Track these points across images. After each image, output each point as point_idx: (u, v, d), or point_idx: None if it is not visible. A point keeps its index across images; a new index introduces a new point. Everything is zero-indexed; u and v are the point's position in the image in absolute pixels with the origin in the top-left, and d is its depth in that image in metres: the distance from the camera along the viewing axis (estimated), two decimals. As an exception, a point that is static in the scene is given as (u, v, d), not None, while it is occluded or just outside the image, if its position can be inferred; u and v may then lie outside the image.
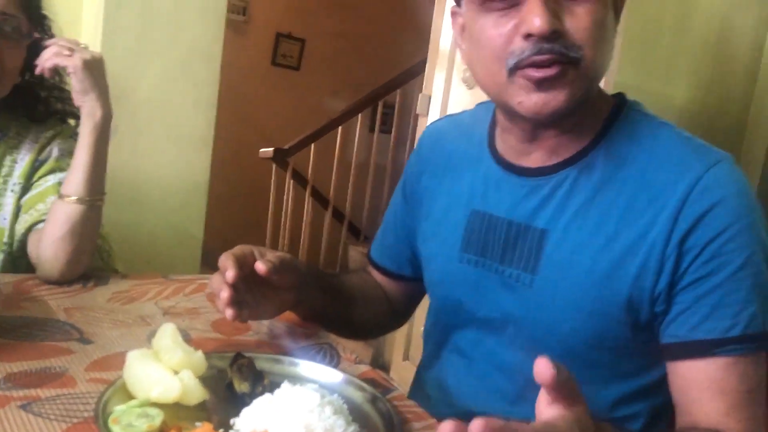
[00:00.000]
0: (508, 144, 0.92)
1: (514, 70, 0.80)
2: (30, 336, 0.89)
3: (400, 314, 1.21)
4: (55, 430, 0.67)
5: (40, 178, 1.26)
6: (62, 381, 0.78)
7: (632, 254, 0.81)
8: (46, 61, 1.14)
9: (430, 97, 2.74)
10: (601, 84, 2.22)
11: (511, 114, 0.86)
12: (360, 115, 4.18)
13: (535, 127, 0.86)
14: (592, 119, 0.87)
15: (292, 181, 4.09)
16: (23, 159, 1.27)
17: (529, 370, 0.85)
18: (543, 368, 0.56)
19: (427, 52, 2.85)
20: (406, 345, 2.80)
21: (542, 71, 0.79)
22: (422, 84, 3.03)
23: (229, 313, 0.85)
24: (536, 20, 0.76)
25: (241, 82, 4.18)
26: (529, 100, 0.80)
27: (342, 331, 1.11)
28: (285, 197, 4.08)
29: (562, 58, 0.78)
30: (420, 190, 1.05)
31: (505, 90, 0.82)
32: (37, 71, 1.15)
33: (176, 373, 0.75)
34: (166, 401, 0.73)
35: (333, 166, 4.12)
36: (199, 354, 0.78)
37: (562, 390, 0.57)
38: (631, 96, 0.93)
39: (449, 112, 2.64)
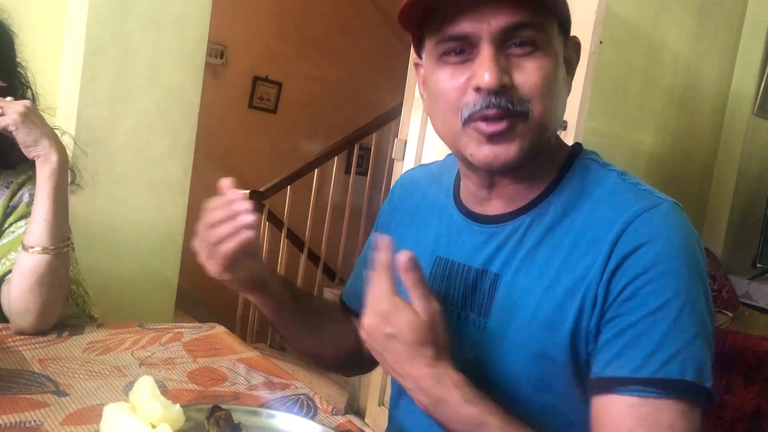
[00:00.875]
0: (469, 192, 0.96)
1: (467, 122, 0.84)
2: (4, 388, 0.88)
3: (369, 357, 1.20)
4: (30, 488, 0.66)
5: (11, 224, 1.25)
6: (37, 436, 0.77)
7: (572, 297, 0.82)
8: None
9: (405, 142, 2.79)
10: (572, 131, 2.26)
11: (467, 163, 0.90)
12: (336, 157, 4.22)
13: (491, 175, 0.90)
14: (548, 168, 0.90)
15: (267, 223, 4.08)
16: None
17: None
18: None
19: (402, 96, 2.91)
20: (381, 390, 2.78)
21: (492, 125, 0.82)
22: (398, 127, 3.08)
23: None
24: (485, 75, 0.80)
25: (218, 125, 4.20)
26: (480, 152, 0.84)
27: (309, 351, 1.10)
28: (261, 239, 4.06)
29: (509, 112, 0.82)
30: (389, 235, 1.07)
31: (459, 140, 0.86)
32: None
33: (153, 427, 0.75)
34: (143, 457, 0.72)
35: (309, 208, 4.13)
36: (177, 408, 0.78)
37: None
38: (602, 141, 0.97)
39: (424, 157, 2.68)
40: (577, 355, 0.83)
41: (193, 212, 2.32)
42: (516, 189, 0.90)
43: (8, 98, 1.16)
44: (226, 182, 0.90)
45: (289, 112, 5.04)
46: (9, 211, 1.26)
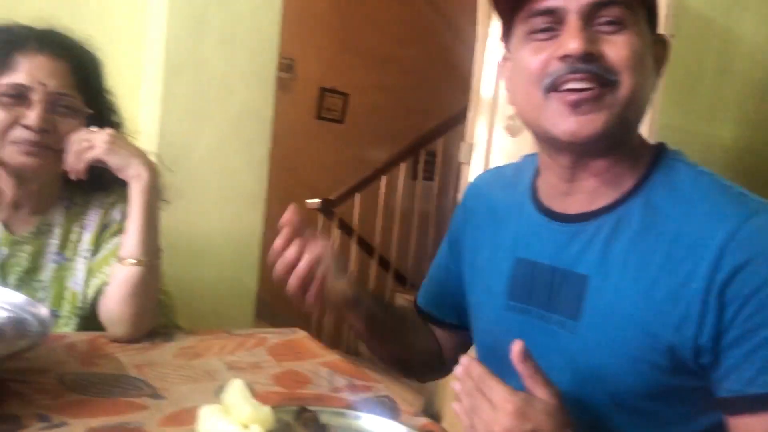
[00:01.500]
0: (548, 187, 0.95)
1: (549, 91, 0.84)
2: (105, 392, 0.94)
3: (448, 361, 1.21)
4: (137, 483, 0.71)
5: (105, 242, 1.33)
6: (139, 436, 0.82)
7: (673, 303, 0.81)
8: (74, 164, 1.21)
9: (472, 146, 2.79)
10: (645, 127, 2.24)
11: (550, 142, 0.89)
12: (402, 164, 4.26)
13: (575, 157, 0.88)
14: (631, 167, 0.89)
15: (338, 231, 4.15)
16: (90, 225, 1.34)
17: (576, 418, 0.88)
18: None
19: (467, 100, 2.92)
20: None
21: (577, 94, 0.82)
22: (464, 131, 3.09)
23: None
24: (572, 42, 0.81)
25: (288, 137, 4.30)
26: (564, 123, 0.84)
27: (394, 357, 1.13)
28: (346, 260, 4.14)
29: (598, 79, 0.82)
30: (464, 239, 1.09)
31: (541, 114, 0.86)
32: (74, 177, 1.22)
33: (246, 427, 0.79)
34: (236, 456, 0.76)
35: (378, 214, 4.18)
36: (267, 409, 0.81)
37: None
38: (675, 137, 0.96)
39: (492, 159, 2.68)
40: (679, 361, 0.82)
41: (269, 222, 2.40)
42: (597, 184, 0.89)
43: (92, 128, 1.24)
44: (288, 218, 0.94)
45: (355, 122, 5.11)
46: (103, 229, 1.34)
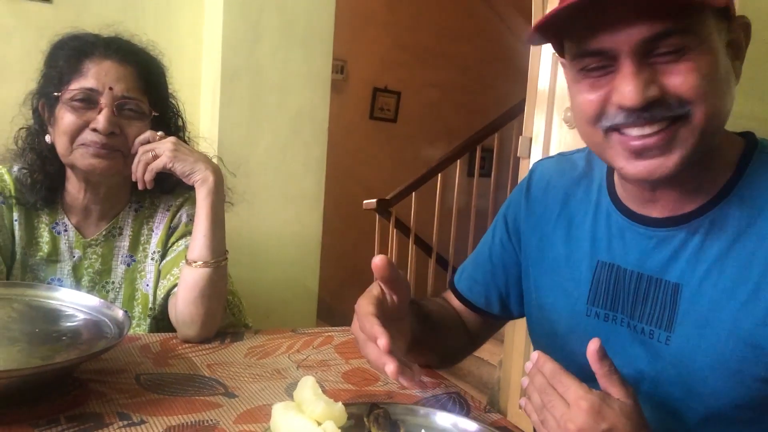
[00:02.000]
0: (629, 192, 0.90)
1: (609, 131, 0.79)
2: (180, 391, 0.96)
3: (476, 341, 1.20)
4: (216, 479, 0.72)
5: (173, 244, 1.36)
6: (215, 433, 0.83)
7: None
8: (143, 176, 1.24)
9: (531, 139, 2.75)
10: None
11: (619, 173, 0.85)
12: (458, 161, 4.23)
13: (650, 186, 0.84)
14: (721, 166, 0.83)
15: (395, 230, 4.15)
16: (158, 228, 1.38)
17: (665, 426, 0.83)
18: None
19: (523, 93, 2.87)
20: (522, 392, 2.75)
21: (640, 141, 0.76)
22: (520, 125, 3.04)
23: (403, 381, 0.81)
24: (627, 91, 0.74)
25: (343, 137, 4.34)
26: (631, 167, 0.78)
27: (430, 358, 1.10)
28: (389, 246, 4.15)
29: (666, 118, 0.75)
30: (528, 230, 1.03)
31: (605, 151, 0.81)
32: (141, 187, 1.26)
33: (319, 424, 0.79)
34: (311, 451, 0.77)
35: (434, 213, 4.17)
36: (340, 405, 0.81)
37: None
38: (752, 126, 0.89)
39: (552, 152, 2.63)
40: None
41: (327, 222, 2.42)
42: (682, 193, 0.84)
43: (159, 132, 1.28)
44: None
45: (409, 120, 5.11)
46: (171, 231, 1.37)
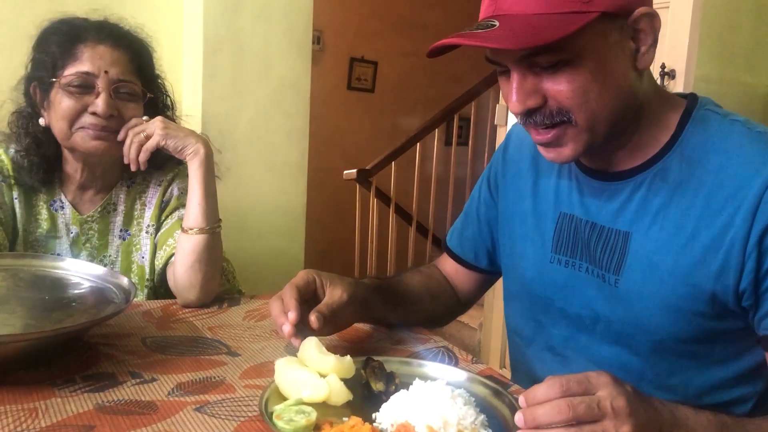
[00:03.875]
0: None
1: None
2: (186, 352, 1.02)
3: (467, 303, 1.29)
4: (228, 427, 0.79)
5: (167, 217, 1.41)
6: (223, 388, 0.89)
7: (713, 252, 0.85)
8: (136, 157, 1.28)
9: (507, 107, 2.81)
10: (681, 79, 2.21)
11: None
12: (436, 130, 4.27)
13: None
14: (662, 127, 0.92)
15: (375, 200, 4.21)
16: (151, 202, 1.42)
17: (624, 363, 0.93)
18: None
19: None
20: (502, 355, 2.85)
21: (539, 136, 0.88)
22: (497, 93, 3.10)
23: (293, 341, 0.94)
24: (511, 101, 0.86)
25: (321, 108, 4.34)
26: (543, 153, 0.91)
27: (408, 323, 1.18)
28: (370, 215, 4.20)
29: (549, 124, 0.85)
30: (504, 186, 1.12)
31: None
32: (134, 169, 1.30)
33: (323, 376, 0.85)
34: (315, 401, 0.83)
35: (414, 182, 4.22)
36: (348, 359, 0.88)
37: None
38: (713, 87, 0.98)
39: (528, 120, 2.69)
40: (722, 306, 0.86)
41: (308, 193, 2.46)
42: (625, 152, 0.93)
43: (144, 117, 1.32)
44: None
45: (386, 90, 5.13)
46: (164, 205, 1.42)
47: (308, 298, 1.00)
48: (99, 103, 1.26)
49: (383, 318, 1.15)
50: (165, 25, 2.19)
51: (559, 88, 0.83)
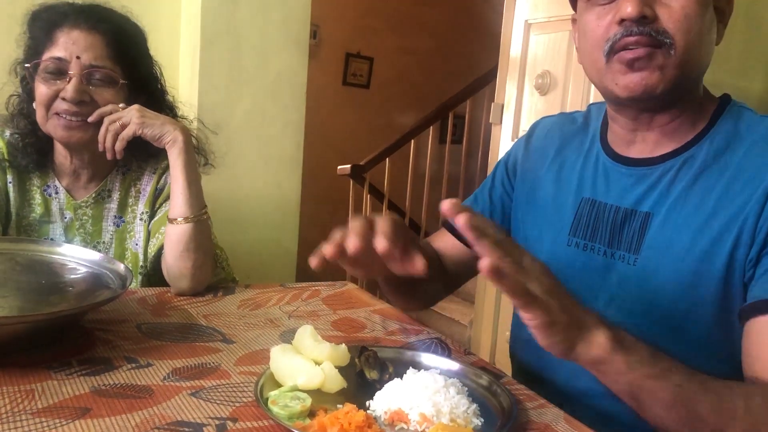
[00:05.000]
0: (615, 135, 1.02)
1: (610, 54, 0.91)
2: (181, 338, 1.02)
3: (453, 284, 1.27)
4: (224, 412, 0.79)
5: (160, 205, 1.41)
6: (219, 374, 0.90)
7: (728, 231, 0.88)
8: (112, 146, 1.27)
9: (502, 106, 2.82)
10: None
11: (613, 100, 0.96)
12: (431, 127, 4.29)
13: (636, 116, 0.96)
14: (694, 119, 0.95)
15: (369, 196, 4.22)
16: (145, 189, 1.42)
17: None
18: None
19: (495, 60, 2.93)
20: (492, 347, 2.87)
21: (632, 52, 0.89)
22: (492, 93, 3.11)
23: (315, 260, 0.84)
24: (627, 6, 0.87)
25: (316, 103, 4.35)
26: (623, 80, 0.91)
27: (403, 299, 1.15)
28: (363, 211, 4.22)
29: (651, 40, 0.88)
30: (524, 173, 1.14)
31: (604, 75, 0.93)
32: (110, 157, 1.29)
33: (317, 364, 0.86)
34: (310, 388, 0.84)
35: (407, 178, 4.24)
36: (343, 347, 0.89)
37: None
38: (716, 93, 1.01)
39: (523, 119, 2.71)
40: (730, 283, 0.88)
41: (304, 186, 2.46)
42: (660, 136, 0.96)
43: (121, 105, 1.30)
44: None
45: (381, 86, 5.14)
46: (158, 193, 1.42)
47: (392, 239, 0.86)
48: (68, 89, 1.25)
49: (400, 289, 1.09)
50: (163, 15, 2.19)
51: (671, 10, 0.87)
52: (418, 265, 0.83)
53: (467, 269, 1.25)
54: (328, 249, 0.84)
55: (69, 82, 1.26)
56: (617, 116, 1.00)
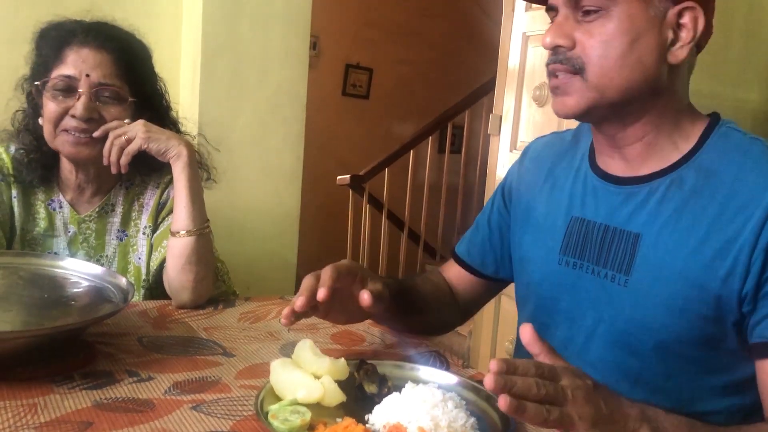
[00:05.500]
0: (600, 151, 1.03)
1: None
2: (183, 351, 1.03)
3: (466, 313, 1.30)
4: (225, 426, 0.80)
5: (163, 219, 1.42)
6: (219, 387, 0.91)
7: (721, 258, 0.88)
8: (117, 160, 1.28)
9: (501, 117, 2.83)
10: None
11: None
12: (430, 137, 4.31)
13: (599, 129, 0.99)
14: (683, 137, 0.96)
15: (368, 206, 4.23)
16: (148, 204, 1.44)
17: (622, 364, 0.95)
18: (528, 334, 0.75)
19: (493, 71, 2.95)
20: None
21: (552, 80, 0.95)
22: (490, 103, 3.12)
23: (284, 320, 0.93)
24: (546, 36, 0.93)
25: (316, 114, 4.36)
26: (552, 104, 0.97)
27: (410, 331, 1.19)
28: (363, 221, 4.23)
29: (567, 67, 0.92)
30: (518, 196, 1.16)
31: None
32: (114, 171, 1.30)
33: (317, 378, 0.87)
34: (310, 402, 0.84)
35: (406, 188, 4.25)
36: (342, 361, 0.90)
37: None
38: (704, 102, 1.01)
39: (521, 131, 2.73)
40: (725, 311, 0.89)
41: (303, 196, 2.47)
42: (642, 150, 0.96)
43: (126, 120, 1.32)
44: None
45: (380, 97, 5.16)
46: (160, 207, 1.43)
47: (343, 286, 0.98)
48: (78, 106, 1.27)
49: (394, 321, 1.16)
50: (164, 28, 2.21)
51: (590, 36, 0.90)
52: (364, 300, 0.95)
53: (481, 294, 1.28)
54: (297, 302, 0.93)
55: (78, 99, 1.28)
56: (594, 130, 1.02)
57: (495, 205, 1.22)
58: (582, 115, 0.95)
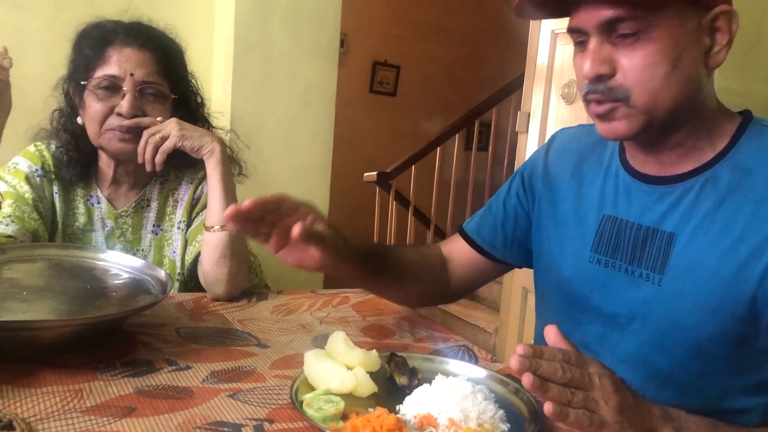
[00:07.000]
0: (630, 153, 1.03)
1: (585, 101, 0.95)
2: (219, 342, 1.07)
3: (457, 292, 1.29)
4: (261, 413, 0.83)
5: (197, 214, 1.46)
6: (255, 377, 0.94)
7: (757, 257, 0.88)
8: (152, 158, 1.31)
9: (528, 115, 2.83)
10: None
11: None
12: (457, 135, 4.31)
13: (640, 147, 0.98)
14: (712, 136, 0.95)
15: (395, 202, 4.25)
16: (183, 199, 1.47)
17: (653, 362, 0.96)
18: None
19: (521, 68, 2.94)
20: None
21: (596, 107, 0.93)
22: (518, 100, 3.12)
23: (229, 225, 0.98)
24: (585, 65, 0.90)
25: (343, 111, 4.40)
26: (598, 126, 0.95)
27: (387, 298, 1.22)
28: (389, 218, 4.25)
29: (610, 96, 0.90)
30: (543, 188, 1.15)
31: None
32: (149, 169, 1.33)
33: (349, 369, 0.90)
34: (342, 392, 0.87)
35: (433, 185, 4.26)
36: (374, 353, 0.92)
37: None
38: (734, 99, 1.01)
39: (549, 128, 2.72)
40: (760, 311, 0.89)
41: (331, 193, 2.50)
42: (677, 156, 0.96)
43: (158, 118, 1.35)
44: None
45: (408, 94, 5.18)
46: (195, 202, 1.47)
47: (286, 213, 1.02)
48: (124, 105, 1.31)
49: (365, 283, 1.19)
50: (197, 26, 2.26)
51: (631, 61, 0.88)
52: (294, 232, 0.94)
53: (480, 275, 1.26)
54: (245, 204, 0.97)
55: (123, 98, 1.32)
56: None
57: (513, 189, 1.21)
58: (638, 136, 0.93)
